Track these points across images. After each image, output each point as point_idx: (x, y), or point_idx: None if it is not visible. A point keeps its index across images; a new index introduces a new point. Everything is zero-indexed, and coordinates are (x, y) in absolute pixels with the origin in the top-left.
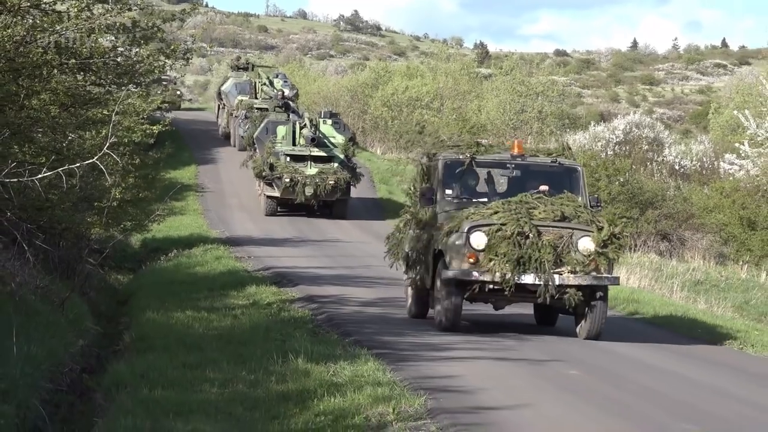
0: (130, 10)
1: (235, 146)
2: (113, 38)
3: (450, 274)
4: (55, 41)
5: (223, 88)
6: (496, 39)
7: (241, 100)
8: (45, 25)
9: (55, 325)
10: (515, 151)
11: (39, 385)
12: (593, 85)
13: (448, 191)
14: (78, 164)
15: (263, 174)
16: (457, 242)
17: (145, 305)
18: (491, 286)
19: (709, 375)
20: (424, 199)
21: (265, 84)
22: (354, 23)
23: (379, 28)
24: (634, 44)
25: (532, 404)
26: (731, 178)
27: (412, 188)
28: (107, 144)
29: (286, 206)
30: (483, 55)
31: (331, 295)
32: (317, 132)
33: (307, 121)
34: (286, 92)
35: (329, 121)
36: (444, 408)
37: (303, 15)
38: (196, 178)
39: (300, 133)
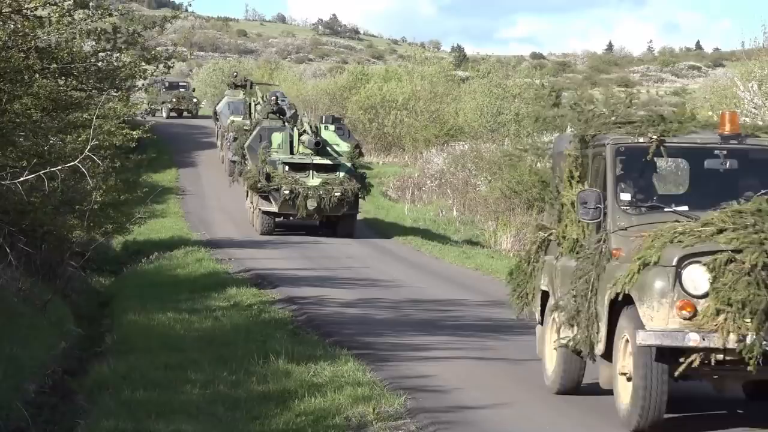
0: (110, 15)
1: (226, 172)
2: (94, 43)
3: (648, 337)
4: (36, 46)
5: (217, 108)
6: (474, 42)
7: (233, 121)
8: (26, 30)
9: (37, 327)
10: (727, 129)
11: (22, 387)
12: (570, 87)
13: (625, 195)
14: (60, 167)
15: (258, 186)
16: (657, 283)
17: (126, 307)
18: (721, 357)
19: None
20: (585, 210)
21: (259, 104)
22: (332, 27)
23: (357, 32)
24: (610, 47)
25: (510, 403)
26: None
27: (553, 191)
28: (88, 147)
29: (282, 225)
30: (460, 58)
31: (311, 297)
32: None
33: (306, 127)
34: (342, 146)
35: (331, 127)
36: (423, 407)
37: (282, 19)
38: (176, 181)
39: (299, 139)
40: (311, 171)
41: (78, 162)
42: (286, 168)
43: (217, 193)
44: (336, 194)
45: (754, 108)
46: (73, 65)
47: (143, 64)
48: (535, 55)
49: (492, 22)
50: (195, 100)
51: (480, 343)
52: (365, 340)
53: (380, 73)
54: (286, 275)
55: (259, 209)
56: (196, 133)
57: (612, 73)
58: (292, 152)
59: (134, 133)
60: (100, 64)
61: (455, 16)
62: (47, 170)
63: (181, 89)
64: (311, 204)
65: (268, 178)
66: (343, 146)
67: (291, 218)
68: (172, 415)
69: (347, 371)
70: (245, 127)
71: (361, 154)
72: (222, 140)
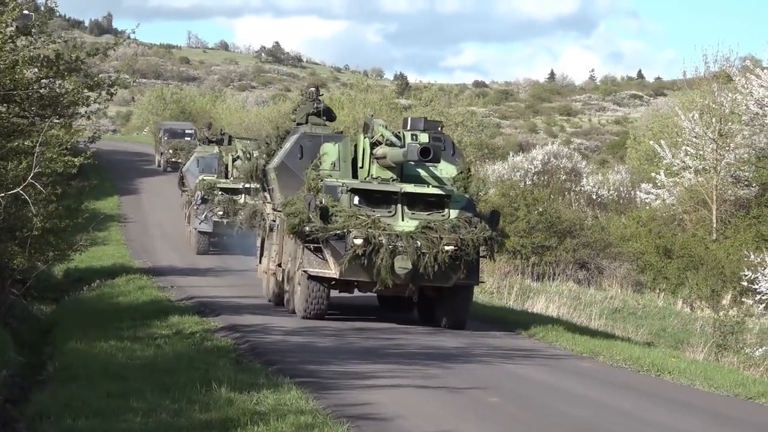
0: (53, 42)
1: (191, 248)
2: (36, 70)
3: None
4: None
5: (184, 169)
6: (419, 71)
7: (203, 179)
8: None
9: None
10: None
11: None
12: (512, 115)
13: None
14: (1, 194)
15: (306, 229)
16: None
17: (68, 335)
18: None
19: (629, 401)
20: None
21: (239, 158)
22: (275, 55)
23: (300, 60)
24: (552, 75)
25: (453, 431)
26: (648, 207)
27: None
28: (31, 174)
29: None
30: (403, 86)
31: (254, 324)
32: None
33: (383, 132)
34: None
35: (423, 137)
36: None
37: (225, 46)
38: (118, 208)
39: (371, 154)
40: (398, 206)
41: (20, 189)
42: (355, 200)
43: (159, 221)
44: (446, 248)
45: (695, 137)
46: (15, 92)
47: (86, 90)
48: (478, 84)
49: (438, 51)
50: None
51: (423, 371)
52: (309, 368)
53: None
54: (229, 303)
55: (304, 271)
56: (138, 161)
57: (554, 101)
58: (355, 174)
59: (76, 160)
60: (42, 90)
61: (401, 45)
62: None
63: (186, 137)
64: (402, 264)
65: (325, 215)
66: (449, 170)
67: (360, 290)
68: None
69: (290, 399)
70: (220, 185)
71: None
72: (188, 209)
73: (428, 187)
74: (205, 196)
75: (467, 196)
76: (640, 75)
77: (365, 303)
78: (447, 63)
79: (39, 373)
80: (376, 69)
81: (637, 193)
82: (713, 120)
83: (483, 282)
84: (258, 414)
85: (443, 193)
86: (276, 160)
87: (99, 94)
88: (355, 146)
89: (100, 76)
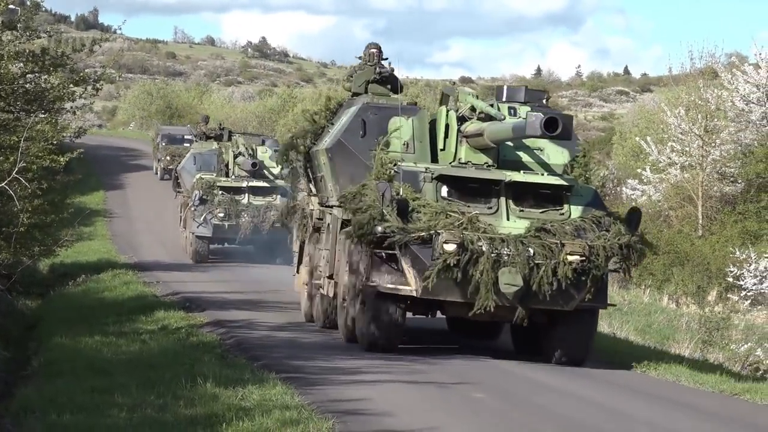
0: (39, 37)
1: (188, 255)
2: (22, 65)
3: None
4: None
5: (179, 168)
6: (407, 66)
7: (201, 178)
8: None
9: None
10: None
11: None
12: None
13: None
14: None
15: (377, 231)
16: None
17: (53, 330)
18: None
19: (614, 398)
20: None
21: (241, 154)
22: (262, 50)
23: (286, 55)
24: (539, 71)
25: (438, 427)
26: (634, 203)
27: None
28: (16, 169)
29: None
30: None
31: (240, 320)
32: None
33: (470, 100)
34: (279, 169)
35: (523, 110)
36: (352, 431)
37: (211, 41)
38: (104, 203)
39: (457, 129)
40: (502, 200)
41: (5, 184)
42: (444, 191)
43: (145, 216)
44: (572, 258)
45: (681, 134)
46: (0, 87)
47: (71, 86)
48: (465, 80)
49: (425, 47)
50: None
51: (409, 366)
52: (294, 364)
53: (309, 96)
54: (214, 298)
55: (373, 292)
56: (124, 156)
57: None
58: (435, 157)
59: (62, 159)
60: (28, 86)
61: (388, 40)
62: None
63: (185, 143)
64: (510, 280)
65: (404, 211)
66: (557, 152)
67: (446, 312)
68: None
69: (275, 395)
70: (220, 184)
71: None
72: (185, 211)
73: (542, 175)
74: (204, 196)
75: (593, 187)
76: (626, 71)
77: None
78: (434, 59)
79: (24, 368)
80: None
81: (623, 188)
82: (699, 116)
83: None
84: (243, 409)
85: (564, 183)
86: (328, 140)
87: (85, 90)
88: (433, 122)
89: (86, 71)
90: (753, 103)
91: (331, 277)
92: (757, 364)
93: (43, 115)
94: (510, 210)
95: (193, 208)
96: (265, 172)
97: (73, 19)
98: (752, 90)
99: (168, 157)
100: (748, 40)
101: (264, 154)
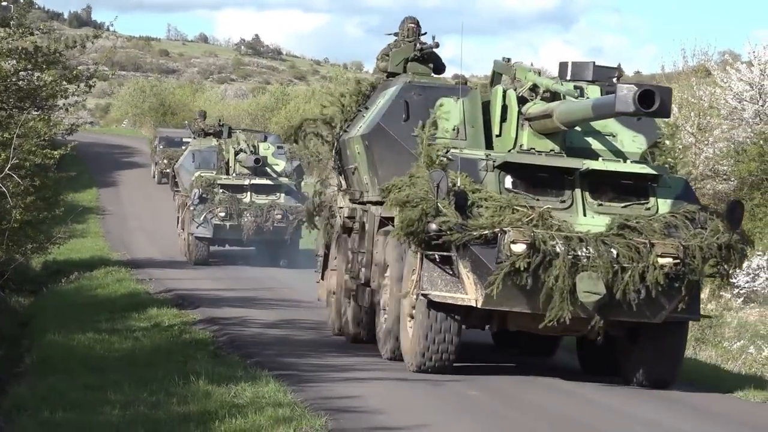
0: (32, 34)
1: (186, 257)
2: (15, 62)
3: None
4: None
5: (176, 167)
6: None
7: (200, 176)
8: None
9: None
10: None
11: None
12: None
13: None
14: None
15: (427, 229)
16: None
17: (46, 327)
18: None
19: (609, 396)
20: None
21: (243, 151)
22: (255, 47)
23: (280, 53)
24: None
25: (431, 425)
26: None
27: None
28: (8, 165)
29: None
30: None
31: (233, 317)
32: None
33: (531, 77)
34: (282, 166)
35: (594, 89)
36: (344, 429)
37: (204, 39)
38: (96, 200)
39: (518, 111)
40: (576, 193)
41: None
42: (508, 181)
43: (138, 213)
44: (662, 260)
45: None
46: None
47: (64, 83)
48: (457, 77)
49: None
50: None
51: (403, 364)
52: (287, 361)
53: (306, 94)
54: (207, 296)
55: (424, 302)
56: (117, 153)
57: None
58: (490, 144)
59: (56, 153)
60: (20, 83)
61: (383, 38)
62: None
63: (183, 146)
64: (590, 287)
65: (462, 205)
66: (632, 138)
67: (509, 326)
68: None
69: (268, 392)
70: (221, 181)
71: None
72: (183, 212)
73: (623, 162)
74: (204, 195)
75: (683, 177)
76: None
77: None
78: None
79: (17, 365)
80: (356, 62)
81: None
82: (692, 114)
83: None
84: (236, 407)
85: (652, 172)
86: (364, 126)
87: (77, 87)
88: (486, 104)
89: (78, 68)
90: (746, 101)
91: (367, 284)
92: (751, 362)
93: (36, 112)
94: (587, 204)
95: (192, 208)
96: (268, 169)
97: (65, 16)
98: (745, 88)
99: (166, 161)
100: (742, 38)
101: (267, 150)
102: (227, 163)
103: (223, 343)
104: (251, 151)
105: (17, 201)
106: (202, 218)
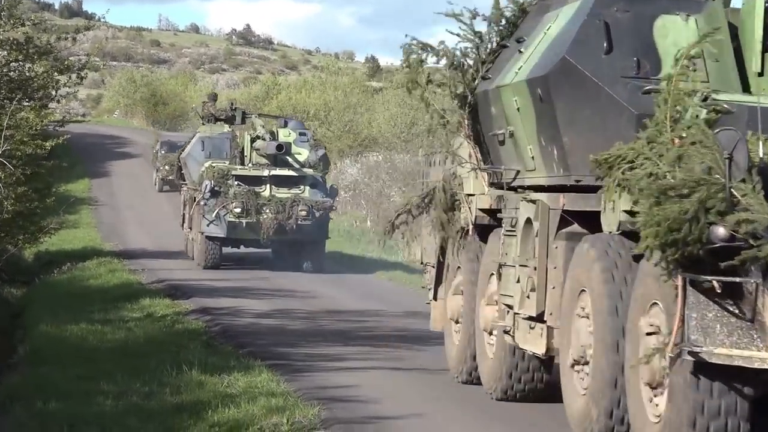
0: (23, 25)
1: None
2: (6, 53)
3: None
4: None
5: (183, 156)
6: (393, 53)
7: (212, 166)
8: None
9: None
10: None
11: None
12: None
13: None
14: None
15: (707, 239)
16: None
17: (39, 318)
18: None
19: None
20: None
21: (260, 137)
22: (246, 37)
23: (271, 42)
24: None
25: (424, 414)
26: None
27: None
28: None
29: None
30: (374, 68)
31: (225, 307)
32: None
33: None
34: (306, 155)
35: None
36: (338, 418)
37: (195, 29)
38: (89, 191)
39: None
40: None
41: None
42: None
43: (131, 204)
44: None
45: None
46: None
47: (56, 74)
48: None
49: (412, 34)
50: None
51: (395, 353)
52: (280, 351)
53: (297, 84)
54: (200, 286)
55: (690, 363)
56: (109, 143)
57: None
58: (746, 84)
59: (47, 144)
60: (12, 74)
61: (375, 28)
62: None
63: None
64: None
65: None
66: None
67: None
68: (85, 427)
69: (261, 382)
70: (236, 172)
71: None
72: (191, 208)
73: None
74: (216, 188)
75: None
76: None
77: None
78: None
79: (10, 356)
80: (348, 51)
81: None
82: None
83: None
84: (229, 396)
85: None
86: (527, 65)
87: (69, 78)
88: (734, 28)
89: (70, 59)
90: None
91: (540, 319)
92: None
93: (27, 103)
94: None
95: (202, 203)
96: (290, 158)
97: (56, 6)
98: None
99: (167, 167)
100: None
101: (287, 137)
102: (242, 151)
103: (216, 333)
104: (270, 138)
105: (9, 191)
106: (213, 215)
